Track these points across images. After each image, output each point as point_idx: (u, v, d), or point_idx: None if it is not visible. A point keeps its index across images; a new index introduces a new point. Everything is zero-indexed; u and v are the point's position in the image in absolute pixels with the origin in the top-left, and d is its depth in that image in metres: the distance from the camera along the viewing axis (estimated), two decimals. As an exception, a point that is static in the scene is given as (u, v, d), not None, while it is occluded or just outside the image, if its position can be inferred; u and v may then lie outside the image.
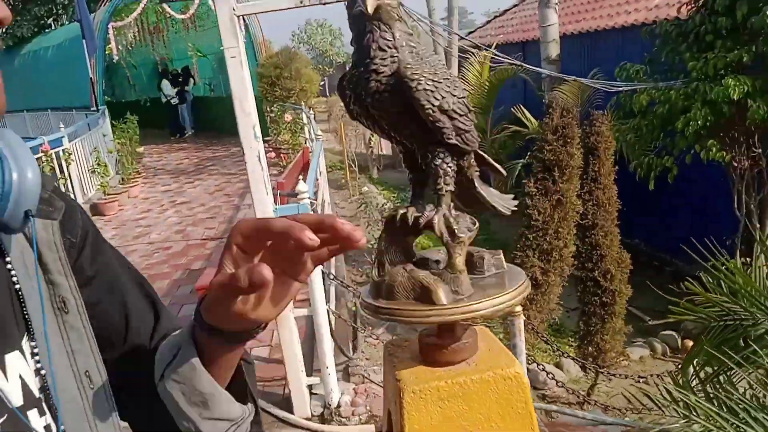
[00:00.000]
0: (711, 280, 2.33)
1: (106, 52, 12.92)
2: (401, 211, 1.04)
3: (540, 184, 4.52)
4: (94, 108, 11.41)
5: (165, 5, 13.04)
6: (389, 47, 0.84)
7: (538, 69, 8.24)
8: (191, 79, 15.89)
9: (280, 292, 0.61)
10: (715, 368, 2.09)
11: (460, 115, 0.92)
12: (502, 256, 1.06)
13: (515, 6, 14.24)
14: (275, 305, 0.62)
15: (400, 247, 1.11)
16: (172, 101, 14.99)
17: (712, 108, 5.15)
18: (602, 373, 4.09)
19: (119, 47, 13.43)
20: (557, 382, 3.82)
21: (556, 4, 8.69)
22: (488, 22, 15.73)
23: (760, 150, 5.49)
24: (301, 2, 3.07)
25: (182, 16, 13.35)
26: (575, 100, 7.44)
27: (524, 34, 11.53)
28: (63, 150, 7.75)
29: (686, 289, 2.43)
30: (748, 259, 2.51)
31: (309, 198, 3.50)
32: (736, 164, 5.51)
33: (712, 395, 1.86)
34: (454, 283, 0.99)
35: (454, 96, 0.90)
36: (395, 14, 0.85)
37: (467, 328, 1.10)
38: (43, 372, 0.66)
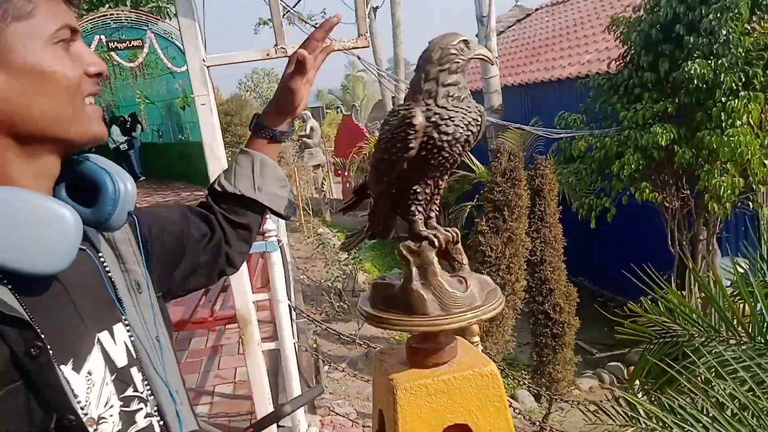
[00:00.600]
0: (651, 303, 2.60)
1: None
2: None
3: (491, 222, 4.80)
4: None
5: (113, 53, 13.03)
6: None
7: (483, 117, 8.69)
8: (139, 125, 15.79)
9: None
10: (657, 378, 2.33)
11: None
12: (488, 277, 1.25)
13: (458, 58, 14.93)
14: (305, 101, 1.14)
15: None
16: (121, 147, 14.81)
17: (643, 153, 5.60)
18: (556, 400, 4.30)
19: (65, 93, 13.28)
20: (514, 409, 4.01)
21: (497, 57, 9.25)
22: (433, 73, 16.36)
23: (688, 191, 5.97)
24: (268, 55, 3.27)
25: (130, 64, 13.34)
26: (519, 146, 7.88)
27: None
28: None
29: (629, 311, 2.70)
30: (683, 291, 2.78)
31: (276, 236, 3.61)
32: (667, 204, 5.96)
33: (654, 400, 2.09)
34: (444, 296, 1.17)
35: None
36: None
37: (449, 336, 1.29)
38: (133, 339, 0.86)
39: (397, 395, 1.20)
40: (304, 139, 12.96)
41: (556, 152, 7.12)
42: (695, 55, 5.30)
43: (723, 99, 5.23)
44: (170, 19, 13.36)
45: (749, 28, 5.24)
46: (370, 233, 1.30)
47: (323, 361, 4.52)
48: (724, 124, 5.22)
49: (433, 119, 1.03)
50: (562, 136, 6.70)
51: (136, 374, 0.86)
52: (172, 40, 12.13)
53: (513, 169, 4.89)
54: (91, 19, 11.84)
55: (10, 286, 0.72)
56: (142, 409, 0.86)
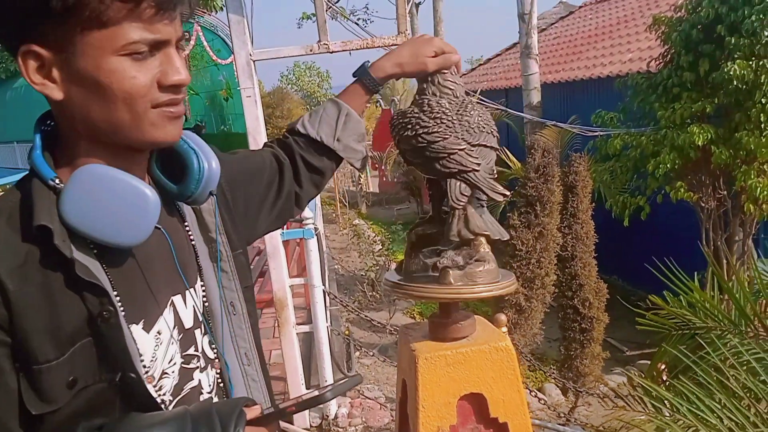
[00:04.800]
0: (672, 297, 2.67)
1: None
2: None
3: (523, 217, 4.88)
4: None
5: (161, 45, 13.31)
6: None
7: (520, 114, 8.72)
8: (184, 116, 16.19)
9: None
10: (675, 369, 2.40)
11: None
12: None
13: (498, 55, 14.91)
14: None
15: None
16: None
17: (680, 153, 5.57)
18: (582, 394, 4.37)
19: (114, 84, 13.69)
20: (539, 399, 4.10)
21: (537, 55, 9.23)
22: (473, 69, 16.40)
23: (725, 192, 5.92)
24: (311, 50, 3.42)
25: (178, 56, 13.64)
26: (555, 144, 7.87)
27: (507, 82, 12.06)
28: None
29: (652, 305, 2.77)
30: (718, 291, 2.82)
31: (313, 223, 3.78)
32: (703, 204, 5.92)
33: (669, 387, 2.17)
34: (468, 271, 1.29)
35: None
36: None
37: (467, 314, 1.41)
38: (206, 303, 0.96)
39: (418, 364, 1.31)
40: (343, 132, 13.10)
41: (591, 150, 7.10)
42: (736, 55, 5.25)
43: (763, 100, 5.17)
44: (216, 12, 13.67)
45: (792, 29, 5.16)
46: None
47: (355, 346, 4.68)
48: (762, 125, 5.16)
49: None
50: (598, 134, 6.69)
51: (199, 335, 0.94)
52: (217, 33, 12.42)
53: (546, 165, 4.95)
54: (141, 13, 12.22)
55: (97, 254, 0.81)
56: (199, 367, 0.93)
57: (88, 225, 0.78)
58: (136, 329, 0.83)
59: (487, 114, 1.29)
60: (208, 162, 0.90)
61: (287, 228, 3.88)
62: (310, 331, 3.73)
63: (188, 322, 0.92)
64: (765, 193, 5.18)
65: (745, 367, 2.02)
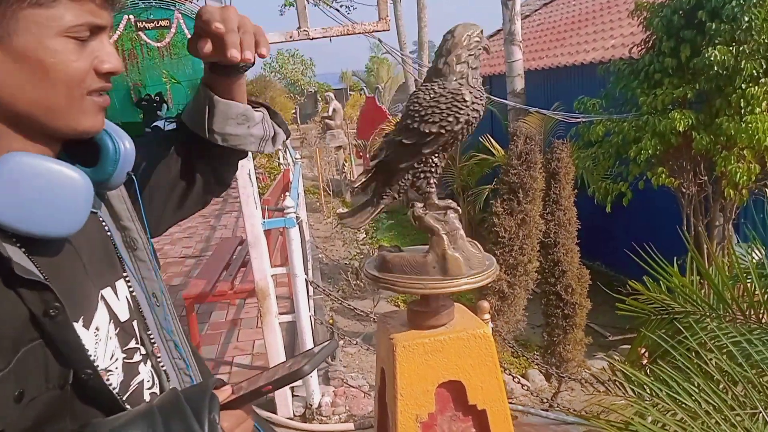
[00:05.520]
0: (652, 282, 2.69)
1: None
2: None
3: (506, 204, 4.90)
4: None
5: (141, 33, 13.18)
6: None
7: (504, 101, 8.73)
8: (165, 105, 16.04)
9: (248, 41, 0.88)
10: (654, 353, 2.42)
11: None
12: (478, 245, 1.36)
13: (482, 42, 14.85)
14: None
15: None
16: (166, 128, 15.09)
17: (661, 138, 5.61)
18: (565, 379, 4.41)
19: (94, 72, 13.50)
20: (522, 385, 4.12)
21: (521, 41, 9.23)
22: (457, 56, 16.31)
23: (705, 177, 5.98)
24: (290, 37, 3.39)
25: (157, 44, 13.48)
26: (538, 130, 7.90)
27: (491, 69, 12.06)
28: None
29: (632, 290, 2.79)
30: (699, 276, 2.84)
31: (295, 212, 3.75)
32: (684, 189, 5.98)
33: (647, 372, 2.19)
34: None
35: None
36: None
37: (446, 301, 1.40)
38: (134, 293, 0.90)
39: (396, 353, 1.31)
40: (327, 120, 13.08)
41: (574, 137, 7.14)
42: (717, 41, 5.28)
43: (743, 85, 5.22)
44: (197, -1, 13.49)
45: (773, 14, 5.20)
46: (382, 205, 1.28)
47: (339, 335, 4.68)
48: (743, 111, 5.21)
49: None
50: (580, 120, 6.72)
51: (137, 327, 0.90)
52: (199, 21, 12.24)
53: (529, 152, 4.96)
54: (120, -1, 12.03)
55: (23, 249, 0.74)
56: (142, 360, 0.89)
57: (16, 217, 0.72)
58: (78, 327, 0.77)
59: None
60: (122, 142, 0.85)
61: (269, 217, 3.85)
62: (293, 320, 3.71)
63: (123, 315, 0.87)
64: (745, 178, 5.24)
65: (723, 351, 2.04)
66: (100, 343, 0.81)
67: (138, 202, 0.93)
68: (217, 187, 1.12)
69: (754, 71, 5.14)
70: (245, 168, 3.34)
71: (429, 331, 1.35)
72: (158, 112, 15.48)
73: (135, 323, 0.89)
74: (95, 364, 0.78)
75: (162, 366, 0.92)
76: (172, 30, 12.47)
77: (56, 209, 0.74)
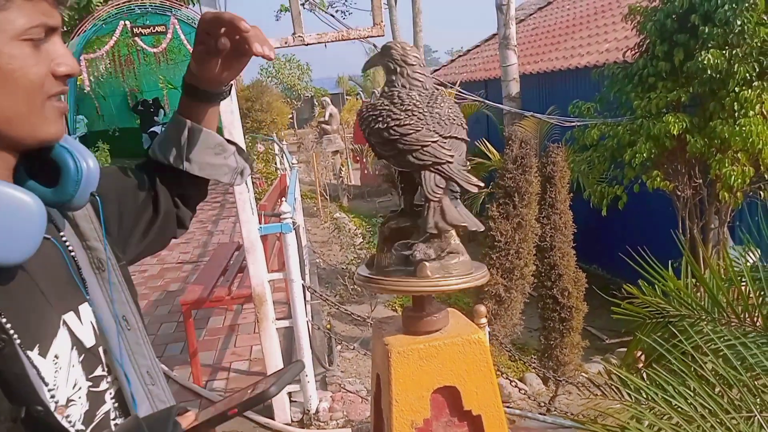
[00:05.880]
0: (647, 285, 2.70)
1: (77, 83, 13.01)
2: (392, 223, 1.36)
3: (501, 208, 4.91)
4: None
5: (137, 39, 13.21)
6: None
7: (499, 105, 8.76)
8: (161, 110, 16.05)
9: (236, 62, 0.93)
10: (649, 357, 2.43)
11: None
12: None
13: (477, 46, 14.92)
14: (234, 70, 0.95)
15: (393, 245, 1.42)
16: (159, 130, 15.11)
17: (656, 142, 5.63)
18: (562, 383, 4.42)
19: (90, 78, 13.52)
20: (520, 389, 4.13)
21: (516, 46, 9.25)
22: (452, 60, 16.41)
23: (700, 180, 6.00)
24: (285, 42, 3.39)
25: (154, 50, 13.53)
26: (534, 134, 7.92)
27: (486, 73, 12.09)
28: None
29: (628, 294, 2.80)
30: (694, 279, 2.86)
31: (291, 218, 3.75)
32: (679, 193, 6.00)
33: (642, 376, 2.20)
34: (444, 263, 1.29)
35: None
36: None
37: (441, 306, 1.41)
38: (98, 318, 0.84)
39: (391, 359, 1.31)
40: (323, 125, 13.09)
41: (569, 140, 7.17)
42: (710, 45, 5.31)
43: (736, 89, 5.24)
44: (194, 4, 13.51)
45: (765, 18, 5.23)
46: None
47: (336, 340, 4.67)
48: (736, 114, 5.24)
49: None
50: (575, 124, 6.75)
51: (103, 354, 0.85)
52: (195, 26, 12.27)
53: (524, 156, 4.98)
54: (116, 5, 12.04)
55: None
56: (110, 388, 0.84)
57: None
58: (33, 356, 0.73)
59: (456, 106, 1.29)
60: (85, 161, 0.80)
61: (265, 223, 3.86)
62: (291, 326, 3.71)
63: (89, 341, 0.82)
64: (739, 181, 5.26)
65: (719, 355, 2.05)
66: (60, 371, 0.76)
67: (101, 223, 0.89)
68: (179, 223, 1.09)
69: (747, 74, 5.17)
70: (241, 174, 3.35)
71: (424, 337, 1.36)
72: (155, 117, 15.51)
73: (101, 349, 0.85)
74: (52, 394, 0.74)
75: (132, 393, 0.87)
76: (169, 35, 12.52)
77: (7, 235, 0.69)
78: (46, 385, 0.73)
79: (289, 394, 3.73)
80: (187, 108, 1.00)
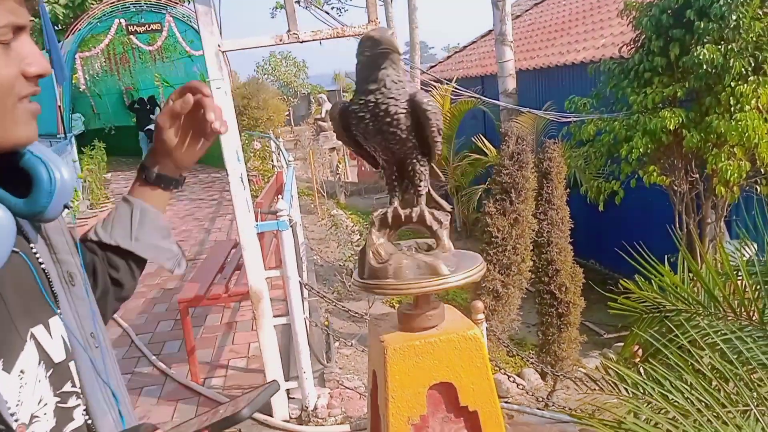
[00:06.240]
0: (643, 281, 2.70)
1: (73, 82, 12.97)
2: (390, 210, 1.37)
3: (498, 204, 4.91)
4: (62, 135, 11.43)
5: (132, 37, 13.17)
6: (400, 80, 1.16)
7: (496, 101, 8.75)
8: (157, 108, 16.01)
9: (197, 147, 0.99)
10: (646, 351, 2.44)
11: (440, 134, 1.26)
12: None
13: (474, 42, 14.91)
14: (194, 154, 0.99)
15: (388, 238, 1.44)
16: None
17: (652, 137, 5.63)
18: (560, 378, 4.43)
19: (86, 77, 13.48)
20: (518, 385, 4.14)
21: (512, 42, 9.25)
22: (449, 57, 16.39)
23: (697, 175, 6.01)
24: (280, 40, 3.38)
25: (149, 48, 13.49)
26: (531, 130, 7.94)
27: (483, 69, 12.07)
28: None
29: (624, 289, 2.80)
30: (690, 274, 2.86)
31: (288, 215, 3.74)
32: (676, 187, 6.01)
33: (639, 370, 2.20)
34: (445, 260, 1.30)
35: (439, 120, 1.24)
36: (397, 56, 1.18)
37: (436, 303, 1.41)
38: (68, 333, 0.82)
39: (387, 355, 1.31)
40: (320, 122, 13.07)
41: (566, 136, 7.17)
42: (705, 40, 5.32)
43: (732, 84, 5.25)
44: (188, 2, 13.46)
45: (760, 13, 5.24)
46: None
47: (334, 337, 4.68)
48: (732, 109, 5.25)
49: None
50: (571, 120, 6.75)
51: (74, 369, 0.82)
52: (190, 24, 12.28)
53: (520, 152, 4.98)
54: (111, 3, 12.00)
55: None
56: (80, 405, 0.82)
57: None
58: None
59: None
60: (59, 171, 0.77)
61: (262, 220, 3.85)
62: (288, 323, 3.71)
63: (58, 356, 0.79)
64: (735, 175, 5.28)
65: (715, 349, 2.05)
66: (25, 387, 0.73)
67: (72, 236, 0.88)
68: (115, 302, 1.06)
69: (743, 69, 5.18)
70: (237, 171, 3.35)
71: (419, 333, 1.36)
72: (151, 115, 15.47)
73: (72, 364, 0.82)
74: (13, 415, 0.71)
75: (96, 412, 0.84)
76: (164, 33, 12.47)
77: None
78: (6, 403, 0.70)
79: (288, 390, 3.73)
80: (139, 192, 1.01)
